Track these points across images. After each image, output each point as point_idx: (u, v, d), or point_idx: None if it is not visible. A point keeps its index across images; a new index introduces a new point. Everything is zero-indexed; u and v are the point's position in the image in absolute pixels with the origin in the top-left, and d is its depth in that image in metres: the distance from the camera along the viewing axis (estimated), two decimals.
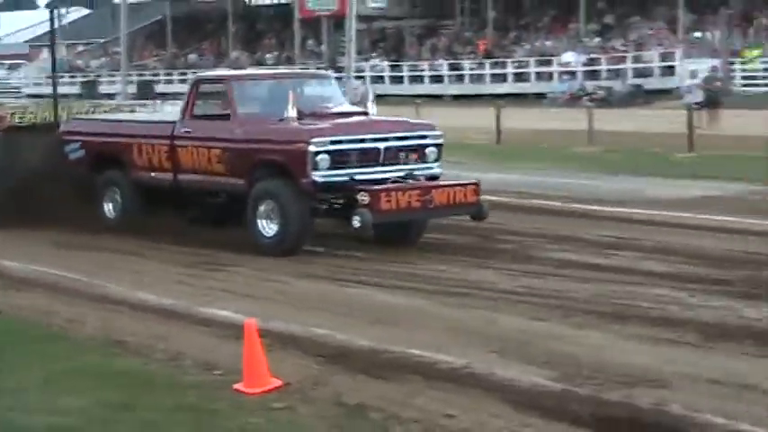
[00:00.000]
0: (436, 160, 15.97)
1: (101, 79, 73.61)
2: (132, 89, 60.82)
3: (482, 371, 9.75)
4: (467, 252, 15.43)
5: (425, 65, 65.65)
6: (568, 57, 59.70)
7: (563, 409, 8.71)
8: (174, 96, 31.97)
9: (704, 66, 47.79)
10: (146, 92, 53.27)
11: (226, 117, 16.30)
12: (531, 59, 61.70)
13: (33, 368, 10.07)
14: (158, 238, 16.69)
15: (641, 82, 54.83)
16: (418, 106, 39.79)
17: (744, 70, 52.07)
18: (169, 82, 71.39)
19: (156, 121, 18.50)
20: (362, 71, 59.95)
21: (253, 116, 16.18)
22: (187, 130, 16.73)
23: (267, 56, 75.92)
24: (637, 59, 57.20)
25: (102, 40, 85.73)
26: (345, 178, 15.03)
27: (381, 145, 15.46)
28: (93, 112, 20.23)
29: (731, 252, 15.03)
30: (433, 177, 15.78)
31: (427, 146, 15.95)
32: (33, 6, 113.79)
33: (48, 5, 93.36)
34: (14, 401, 9.05)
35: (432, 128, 16.47)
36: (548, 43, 64.79)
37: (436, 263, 14.68)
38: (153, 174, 17.26)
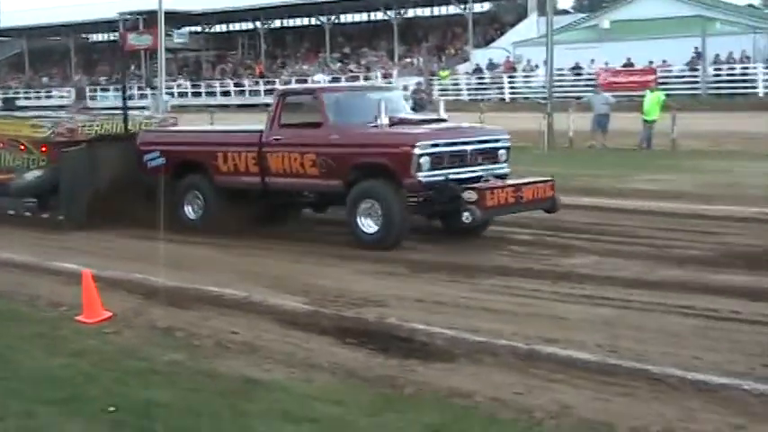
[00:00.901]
0: (506, 161, 13.32)
1: None
2: None
3: (257, 300, 9.74)
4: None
5: (217, 83, 65.03)
6: (318, 77, 59.72)
7: (315, 324, 8.77)
8: None
9: (412, 82, 48.42)
10: (10, 105, 50.79)
11: (317, 125, 13.25)
12: (293, 79, 61.59)
13: None
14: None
15: None
16: (215, 113, 39.13)
17: (439, 85, 53.00)
18: (27, 98, 69.05)
19: (243, 130, 14.93)
20: (171, 89, 58.97)
21: (343, 123, 13.17)
22: (277, 137, 13.58)
23: (101, 78, 73.98)
24: (367, 78, 57.67)
25: None
26: (441, 178, 12.43)
27: (469, 147, 12.81)
28: (149, 125, 16.46)
29: None
30: (504, 176, 13.14)
31: (500, 148, 13.25)
32: None
33: None
34: None
35: (503, 132, 13.84)
36: (304, 67, 64.81)
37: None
38: (239, 178, 14.04)
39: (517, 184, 12.76)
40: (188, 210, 14.61)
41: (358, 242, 12.59)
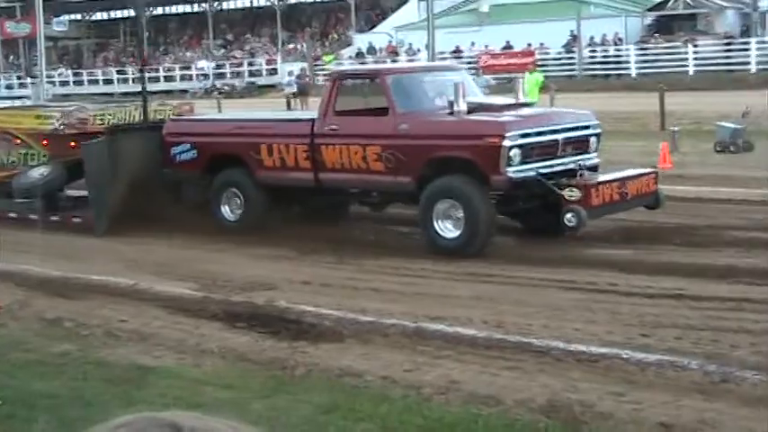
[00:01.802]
0: (596, 149, 11.51)
1: None
2: None
3: (145, 287, 9.63)
4: None
5: (99, 71, 63.78)
6: (202, 63, 59.19)
7: (203, 309, 8.73)
8: None
9: (297, 67, 48.26)
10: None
11: (381, 112, 11.35)
12: (176, 66, 60.86)
13: None
14: None
15: (254, 80, 54.99)
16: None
17: (323, 69, 52.87)
18: None
19: (291, 119, 13.08)
20: (52, 77, 57.59)
21: (413, 110, 11.26)
22: (332, 127, 11.59)
23: None
24: (251, 64, 57.30)
25: None
26: (532, 173, 10.53)
27: (560, 136, 10.93)
28: (163, 112, 14.34)
29: None
30: (595, 167, 11.34)
31: (591, 136, 11.41)
32: None
33: None
34: None
35: (593, 117, 11.94)
36: (188, 54, 64.04)
37: None
38: (286, 173, 12.01)
39: (621, 179, 11.03)
40: (225, 210, 12.65)
41: (433, 248, 10.77)
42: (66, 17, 70.24)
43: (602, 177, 11.01)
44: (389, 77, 11.66)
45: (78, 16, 71.92)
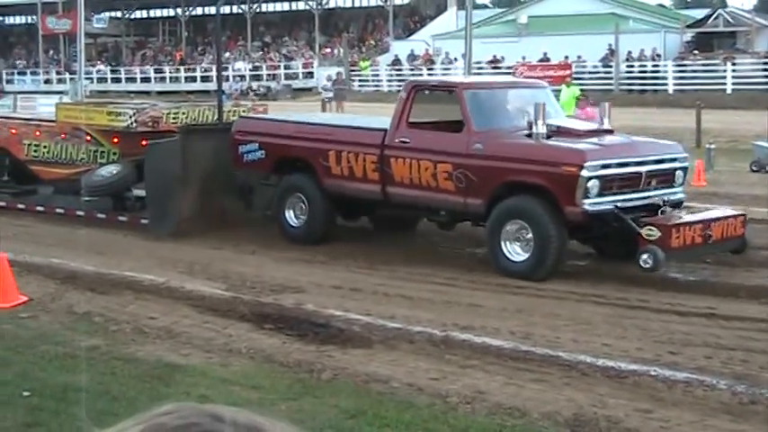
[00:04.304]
0: (682, 184, 10.81)
1: None
2: None
3: (175, 285, 9.67)
4: None
5: (137, 69, 64.23)
6: (239, 64, 59.50)
7: (232, 309, 8.74)
8: None
9: (333, 71, 48.41)
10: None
11: (455, 128, 10.79)
12: (213, 66, 61.11)
13: None
14: None
15: (290, 82, 55.19)
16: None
17: (359, 75, 53.03)
18: None
19: (363, 127, 12.10)
20: (91, 74, 58.03)
21: (489, 128, 10.65)
22: (404, 139, 11.06)
23: (18, 62, 72.56)
24: (287, 67, 57.54)
25: None
26: (610, 206, 9.85)
27: (643, 168, 10.21)
28: (237, 113, 13.96)
29: None
30: (679, 203, 10.69)
31: (677, 169, 10.68)
32: None
33: None
34: None
35: (680, 149, 11.22)
36: (225, 55, 64.31)
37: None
38: (353, 184, 11.50)
39: (706, 220, 10.15)
40: (289, 215, 12.16)
41: (499, 270, 10.18)
42: (106, 14, 70.87)
43: (685, 218, 10.26)
44: (467, 92, 11.04)
45: (118, 14, 72.47)
